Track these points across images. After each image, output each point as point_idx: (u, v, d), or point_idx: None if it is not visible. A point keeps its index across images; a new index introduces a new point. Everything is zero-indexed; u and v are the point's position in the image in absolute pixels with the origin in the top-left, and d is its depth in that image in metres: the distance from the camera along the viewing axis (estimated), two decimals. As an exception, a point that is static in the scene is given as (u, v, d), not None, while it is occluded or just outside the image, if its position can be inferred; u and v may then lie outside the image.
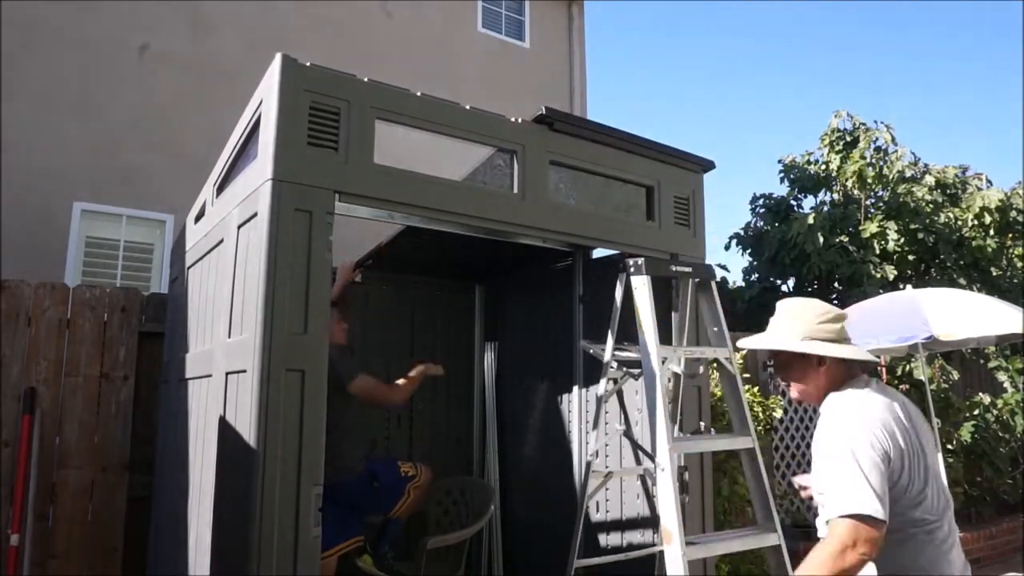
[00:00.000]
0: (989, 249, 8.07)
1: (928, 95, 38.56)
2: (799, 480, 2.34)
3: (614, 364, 3.46)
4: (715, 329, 3.17)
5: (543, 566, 4.03)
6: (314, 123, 2.48)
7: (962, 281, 8.03)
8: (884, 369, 6.31)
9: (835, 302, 8.00)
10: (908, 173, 8.73)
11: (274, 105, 2.42)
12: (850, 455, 1.80)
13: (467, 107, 2.88)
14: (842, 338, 2.07)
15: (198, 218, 3.53)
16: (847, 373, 2.04)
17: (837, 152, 8.61)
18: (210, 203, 3.28)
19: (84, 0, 7.02)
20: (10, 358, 3.61)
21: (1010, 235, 8.49)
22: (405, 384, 3.58)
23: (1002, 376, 7.99)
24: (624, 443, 3.71)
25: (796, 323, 2.10)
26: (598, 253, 3.99)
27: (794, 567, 2.00)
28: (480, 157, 3.01)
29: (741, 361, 5.26)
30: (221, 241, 2.89)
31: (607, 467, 3.74)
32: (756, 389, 5.17)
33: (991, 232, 8.19)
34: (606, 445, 3.76)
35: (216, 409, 2.65)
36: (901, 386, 6.06)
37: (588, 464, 3.47)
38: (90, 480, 3.74)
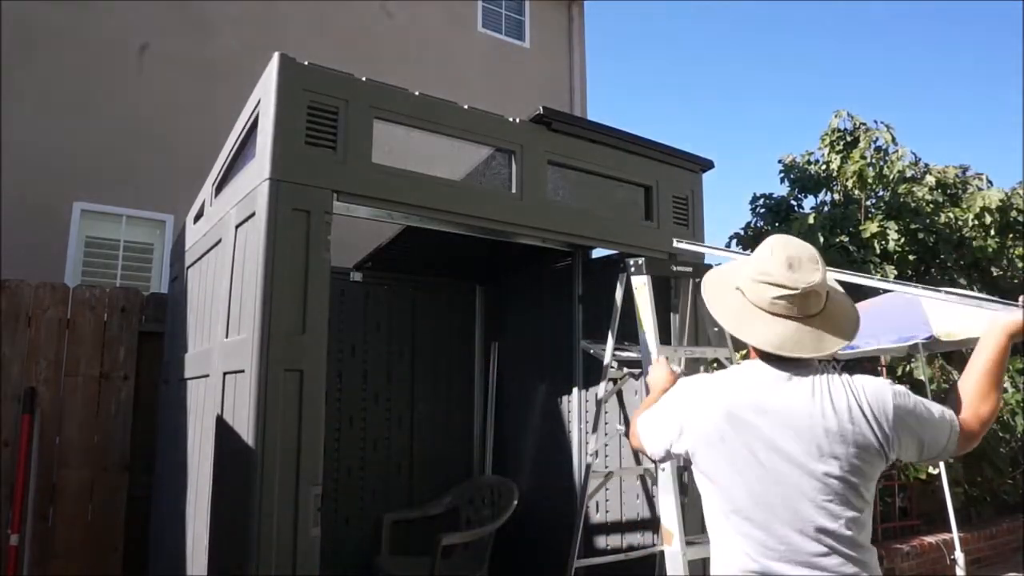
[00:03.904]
0: (989, 249, 8.06)
1: (928, 95, 38.55)
2: None
3: (614, 364, 3.46)
4: (715, 329, 3.18)
5: (543, 566, 4.03)
6: (312, 122, 2.48)
7: (962, 281, 8.03)
8: (884, 369, 6.31)
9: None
10: (908, 173, 8.71)
11: (272, 104, 2.42)
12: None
13: (465, 107, 2.88)
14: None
15: (197, 218, 3.53)
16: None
17: (837, 152, 8.59)
18: (209, 203, 3.29)
19: (84, 0, 7.02)
20: (10, 358, 3.61)
21: (1010, 235, 8.48)
22: None
23: (1002, 376, 7.97)
24: (624, 443, 3.71)
25: None
26: (597, 253, 3.99)
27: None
28: (479, 156, 3.01)
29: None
30: (219, 241, 2.89)
31: (607, 467, 3.74)
32: (756, 389, 5.16)
33: (991, 232, 8.17)
34: (606, 445, 3.76)
35: (214, 409, 2.65)
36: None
37: (588, 466, 3.47)
38: (90, 480, 3.74)
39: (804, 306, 1.65)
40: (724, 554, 1.64)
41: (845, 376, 1.64)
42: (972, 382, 1.67)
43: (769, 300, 1.66)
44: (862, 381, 1.62)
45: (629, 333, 3.26)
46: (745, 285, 1.72)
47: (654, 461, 2.08)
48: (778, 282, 1.64)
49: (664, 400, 1.83)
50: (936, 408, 1.64)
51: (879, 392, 1.60)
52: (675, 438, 1.72)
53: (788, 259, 1.67)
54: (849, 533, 1.54)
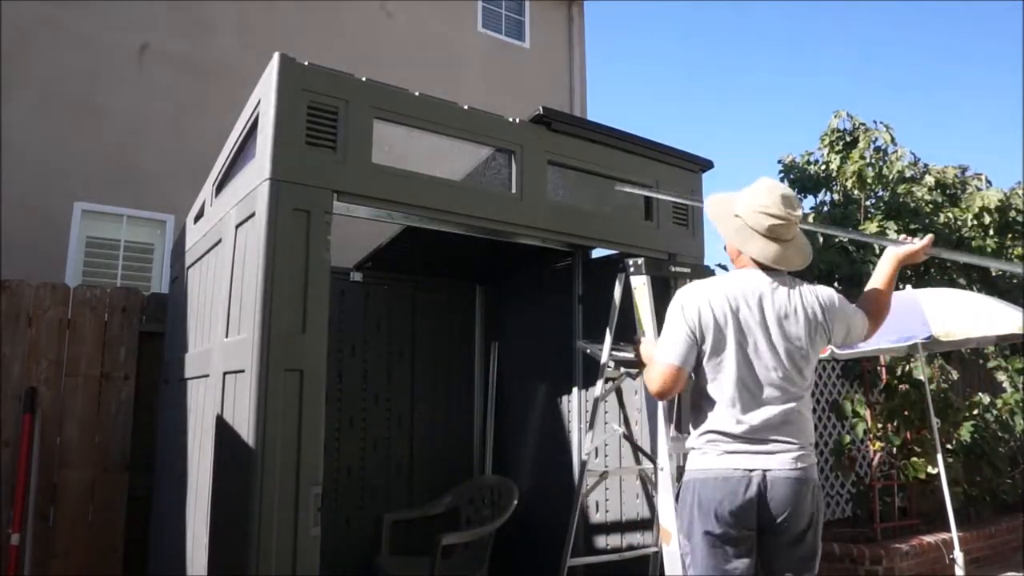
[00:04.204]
0: (988, 249, 8.06)
1: (928, 95, 38.59)
2: None
3: (611, 364, 3.46)
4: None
5: (543, 566, 4.03)
6: (312, 123, 2.48)
7: (962, 281, 8.03)
8: (884, 368, 6.31)
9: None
10: (908, 173, 8.71)
11: (272, 105, 2.42)
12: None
13: (465, 107, 2.89)
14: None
15: (197, 218, 3.54)
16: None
17: (837, 152, 8.59)
18: (209, 203, 3.29)
19: (84, 0, 7.03)
20: (10, 358, 3.61)
21: (1009, 235, 8.48)
22: None
23: (1001, 376, 7.98)
24: (623, 442, 3.71)
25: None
26: (597, 253, 3.99)
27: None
28: (479, 156, 3.02)
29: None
30: (220, 241, 2.89)
31: (606, 466, 3.74)
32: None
33: (991, 232, 8.18)
34: (605, 444, 3.77)
35: (214, 409, 2.65)
36: (901, 386, 6.04)
37: (583, 464, 3.48)
38: (91, 480, 3.75)
39: (788, 233, 2.27)
40: (721, 406, 2.22)
41: (808, 285, 2.34)
42: (874, 292, 2.45)
43: (766, 226, 2.24)
44: (818, 288, 2.35)
45: (627, 333, 3.27)
46: (744, 213, 2.30)
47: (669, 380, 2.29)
48: (775, 213, 2.23)
49: (671, 316, 2.27)
50: (856, 308, 2.41)
51: (830, 295, 2.34)
52: (694, 324, 2.21)
53: (782, 197, 2.27)
54: (806, 383, 2.27)
